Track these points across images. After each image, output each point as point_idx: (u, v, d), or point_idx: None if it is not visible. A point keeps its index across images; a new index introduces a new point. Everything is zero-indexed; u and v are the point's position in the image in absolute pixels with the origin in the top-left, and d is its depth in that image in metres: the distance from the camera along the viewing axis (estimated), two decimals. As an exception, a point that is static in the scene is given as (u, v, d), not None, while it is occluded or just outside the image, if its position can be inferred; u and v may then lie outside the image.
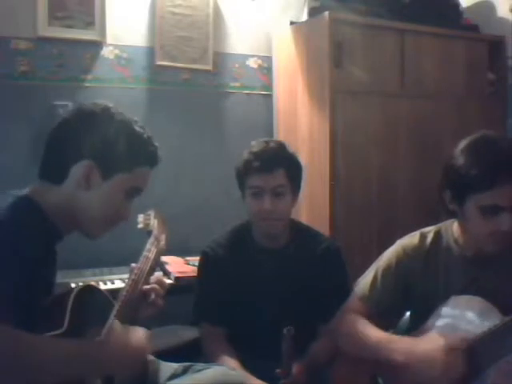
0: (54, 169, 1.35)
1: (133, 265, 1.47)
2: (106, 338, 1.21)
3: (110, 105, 1.40)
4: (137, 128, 1.39)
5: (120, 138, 1.35)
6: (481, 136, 1.56)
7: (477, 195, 1.48)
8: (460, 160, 1.52)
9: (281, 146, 1.99)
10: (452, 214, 1.62)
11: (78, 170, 1.32)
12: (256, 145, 1.96)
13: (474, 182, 1.48)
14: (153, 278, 1.49)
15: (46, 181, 1.35)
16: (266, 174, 1.90)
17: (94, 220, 1.37)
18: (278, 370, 1.71)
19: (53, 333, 1.17)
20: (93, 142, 1.33)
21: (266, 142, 1.97)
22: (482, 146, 1.53)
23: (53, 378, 1.08)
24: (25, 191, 1.32)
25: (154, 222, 1.69)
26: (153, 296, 1.45)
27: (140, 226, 1.69)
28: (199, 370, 1.60)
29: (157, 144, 1.44)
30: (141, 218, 1.71)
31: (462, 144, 1.56)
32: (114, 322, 1.26)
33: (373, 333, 1.61)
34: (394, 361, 1.53)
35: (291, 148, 2.03)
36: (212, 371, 1.60)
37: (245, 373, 1.77)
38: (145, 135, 1.40)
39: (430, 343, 1.49)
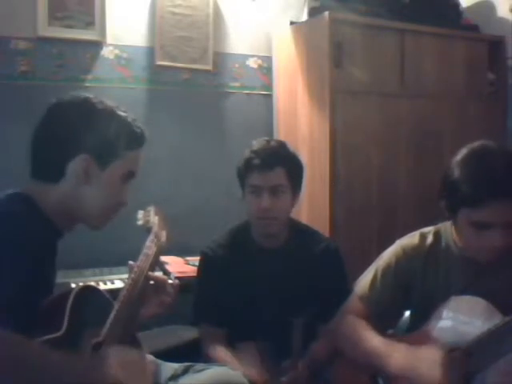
0: (49, 168, 1.34)
1: (130, 262, 1.47)
2: (105, 357, 1.19)
3: (89, 95, 1.40)
4: (121, 113, 1.39)
5: (109, 125, 1.35)
6: (478, 148, 1.54)
7: (468, 210, 1.48)
8: (455, 173, 1.51)
9: (281, 145, 2.00)
10: (448, 218, 1.63)
11: (75, 166, 1.32)
12: (257, 143, 1.96)
13: (465, 197, 1.47)
14: (153, 279, 1.49)
15: (41, 180, 1.34)
16: (266, 172, 1.90)
17: (98, 212, 1.38)
18: (287, 363, 1.71)
19: (52, 335, 1.16)
20: (84, 136, 1.33)
21: (267, 141, 1.98)
22: (477, 161, 1.51)
23: None
24: (18, 190, 1.32)
25: (154, 219, 1.68)
26: (162, 297, 1.46)
27: (140, 222, 1.69)
28: (200, 370, 1.60)
29: (142, 125, 1.44)
30: (140, 214, 1.71)
31: (460, 155, 1.54)
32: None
33: (371, 342, 1.59)
34: (389, 372, 1.52)
35: (292, 147, 2.04)
36: (213, 371, 1.59)
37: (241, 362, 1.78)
38: (129, 118, 1.41)
39: (427, 352, 1.48)
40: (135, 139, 1.40)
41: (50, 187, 1.33)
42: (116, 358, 1.17)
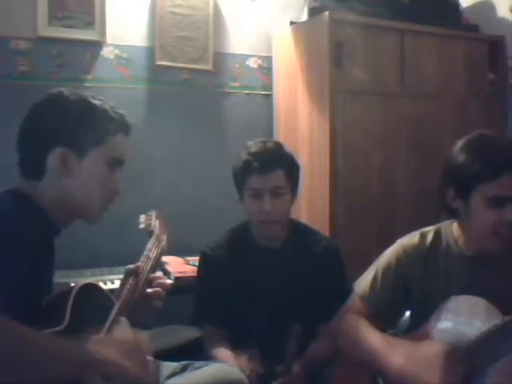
0: (31, 165, 1.35)
1: (129, 266, 1.47)
2: (106, 337, 1.21)
3: (63, 89, 1.40)
4: (95, 101, 1.39)
5: (80, 115, 1.35)
6: (478, 134, 1.59)
7: (482, 187, 1.49)
8: (461, 157, 1.54)
9: (278, 146, 2.00)
10: (453, 214, 1.62)
11: (53, 160, 1.33)
12: (253, 145, 1.96)
13: (478, 174, 1.49)
14: (155, 281, 1.49)
15: (29, 179, 1.35)
16: (266, 175, 1.90)
17: (88, 202, 1.38)
18: (279, 368, 1.72)
19: (53, 329, 1.16)
20: (57, 128, 1.33)
21: (264, 143, 1.97)
22: (482, 142, 1.56)
23: (49, 374, 1.07)
24: (15, 187, 1.33)
25: (155, 223, 1.69)
26: (155, 302, 1.46)
27: (141, 226, 1.70)
28: (198, 368, 1.61)
29: (122, 111, 1.43)
30: (142, 218, 1.72)
31: (460, 143, 1.57)
32: (121, 321, 1.27)
33: (372, 339, 1.59)
34: (389, 371, 1.52)
35: (288, 148, 2.04)
36: (211, 368, 1.60)
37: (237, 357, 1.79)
38: (105, 105, 1.40)
39: (427, 350, 1.48)
40: (111, 124, 1.39)
41: (38, 184, 1.34)
42: (114, 342, 1.18)
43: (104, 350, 1.14)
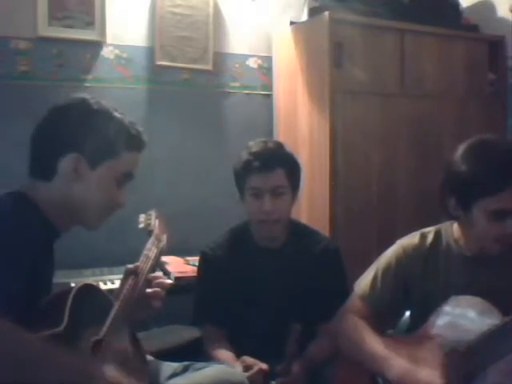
0: (42, 166, 1.36)
1: (128, 266, 1.47)
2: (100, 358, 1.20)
3: (87, 97, 1.41)
4: (116, 114, 1.40)
5: (100, 125, 1.36)
6: (480, 140, 1.56)
7: (484, 201, 1.48)
8: (462, 166, 1.52)
9: (279, 146, 2.00)
10: (454, 219, 1.62)
11: (65, 164, 1.33)
12: (254, 145, 1.96)
13: (480, 187, 1.48)
14: (154, 281, 1.49)
15: (37, 178, 1.36)
16: (266, 174, 1.90)
17: (90, 210, 1.38)
18: (278, 368, 1.72)
19: (52, 330, 1.16)
20: (75, 134, 1.34)
21: (264, 142, 1.97)
22: (484, 151, 1.53)
23: (45, 380, 1.07)
24: (16, 189, 1.33)
25: (155, 222, 1.69)
26: (154, 302, 1.45)
27: (141, 225, 1.70)
28: (199, 369, 1.60)
29: (140, 128, 1.44)
30: (142, 217, 1.71)
31: (462, 149, 1.55)
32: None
33: (371, 344, 1.59)
34: (390, 376, 1.52)
35: (289, 148, 2.04)
36: (212, 369, 1.60)
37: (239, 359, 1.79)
38: (125, 120, 1.41)
39: (427, 352, 1.48)
40: (129, 140, 1.40)
41: (44, 185, 1.34)
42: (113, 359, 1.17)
43: (102, 367, 1.14)
